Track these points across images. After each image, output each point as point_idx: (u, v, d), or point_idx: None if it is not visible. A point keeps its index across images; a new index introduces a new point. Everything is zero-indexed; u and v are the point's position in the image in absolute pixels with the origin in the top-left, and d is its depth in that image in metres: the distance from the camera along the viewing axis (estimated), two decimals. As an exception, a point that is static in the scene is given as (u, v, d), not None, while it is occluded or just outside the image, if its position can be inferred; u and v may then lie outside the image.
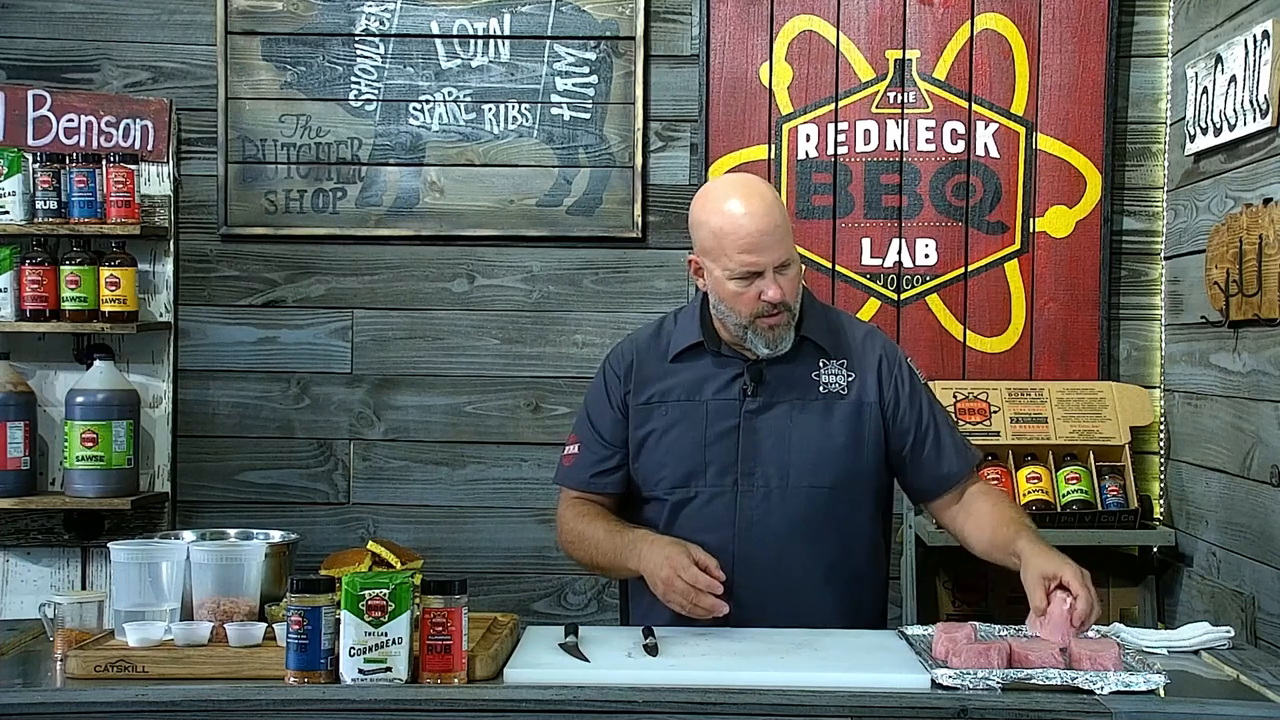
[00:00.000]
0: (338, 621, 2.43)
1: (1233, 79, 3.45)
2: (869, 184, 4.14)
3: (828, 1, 4.13)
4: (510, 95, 4.18)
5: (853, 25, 4.13)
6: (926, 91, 4.13)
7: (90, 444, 3.96)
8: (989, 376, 4.12)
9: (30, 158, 4.01)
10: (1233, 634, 2.85)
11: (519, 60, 4.17)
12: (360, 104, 4.18)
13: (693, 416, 2.93)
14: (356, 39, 4.17)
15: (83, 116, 4.14)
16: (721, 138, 4.14)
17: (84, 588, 4.14)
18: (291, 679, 2.43)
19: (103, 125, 4.14)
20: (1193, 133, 3.75)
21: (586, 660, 2.56)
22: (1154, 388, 4.11)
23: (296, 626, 2.42)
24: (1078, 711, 2.35)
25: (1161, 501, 4.05)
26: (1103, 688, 2.40)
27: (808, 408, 2.92)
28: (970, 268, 4.14)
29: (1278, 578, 3.25)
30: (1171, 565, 3.95)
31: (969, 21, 4.12)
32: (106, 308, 3.98)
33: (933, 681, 2.45)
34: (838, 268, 4.14)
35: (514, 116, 4.18)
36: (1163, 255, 4.12)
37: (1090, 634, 2.64)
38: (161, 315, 4.18)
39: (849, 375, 2.94)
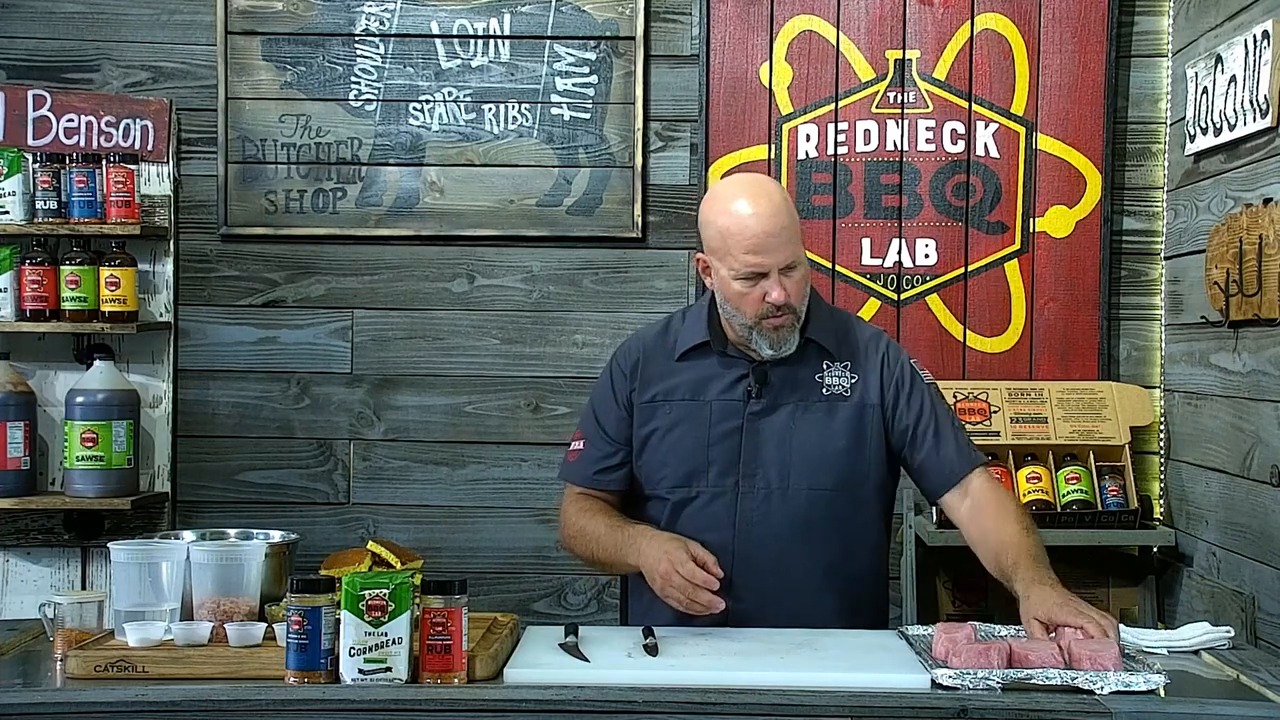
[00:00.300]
0: (338, 621, 2.43)
1: (1233, 79, 3.45)
2: (869, 184, 4.14)
3: (828, 1, 4.13)
4: (510, 95, 4.18)
5: (853, 25, 4.13)
6: (926, 91, 4.13)
7: (90, 444, 3.96)
8: (989, 376, 4.12)
9: (30, 158, 4.01)
10: (1233, 634, 2.85)
11: (519, 60, 4.17)
12: (360, 104, 4.18)
13: (696, 416, 2.93)
14: (356, 39, 4.17)
15: (83, 116, 4.14)
16: (721, 138, 4.14)
17: (84, 588, 4.14)
18: (291, 679, 2.43)
19: (103, 125, 4.14)
20: (1193, 133, 3.75)
21: (586, 660, 2.56)
22: (1154, 388, 4.11)
23: (296, 626, 2.42)
24: (1078, 711, 2.35)
25: (1161, 501, 4.05)
26: (1103, 688, 2.40)
27: (810, 409, 2.92)
28: (970, 268, 4.14)
29: (1278, 578, 3.25)
30: (1171, 565, 3.95)
31: (969, 21, 4.12)
32: (106, 308, 3.98)
33: (933, 681, 2.45)
34: (838, 268, 4.14)
35: (514, 116, 4.18)
36: (1163, 255, 4.12)
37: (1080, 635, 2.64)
38: (161, 315, 4.18)
39: (852, 377, 2.94)
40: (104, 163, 3.97)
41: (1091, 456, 3.97)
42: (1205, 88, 3.65)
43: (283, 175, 4.19)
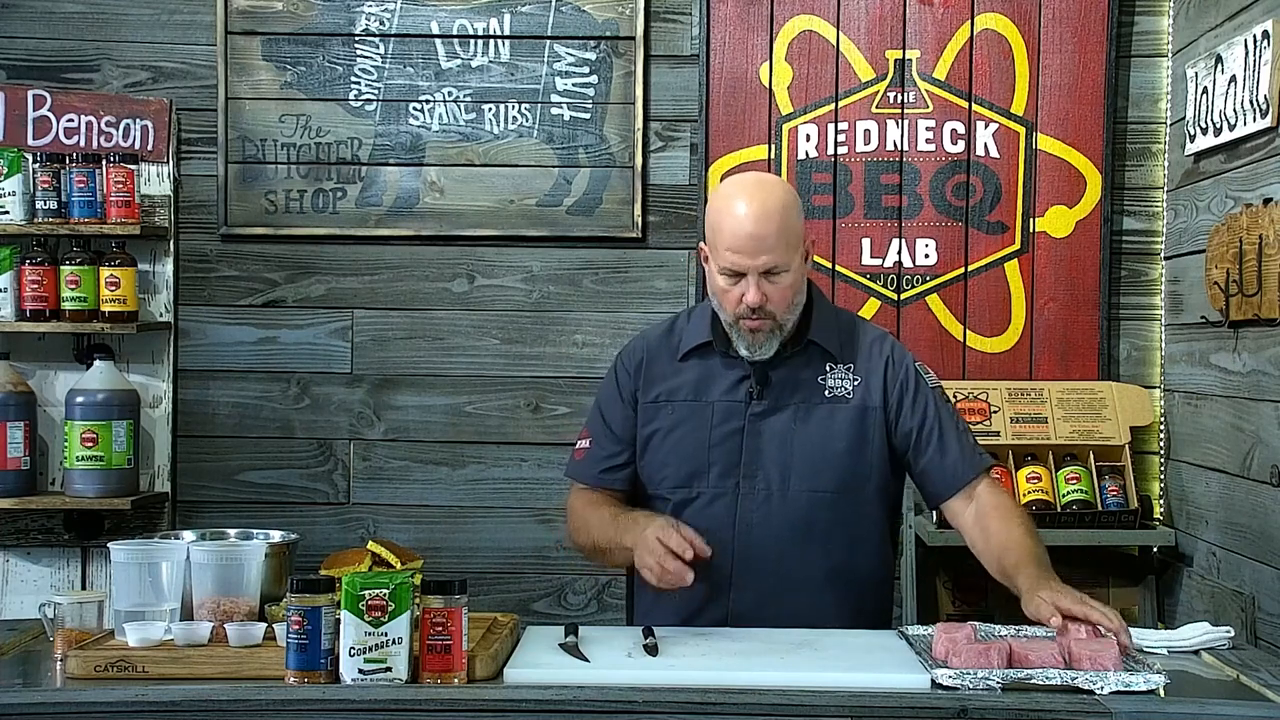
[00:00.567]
0: (338, 621, 2.43)
1: (1233, 79, 3.45)
2: (869, 184, 4.14)
3: (828, 1, 4.13)
4: (510, 95, 4.18)
5: (853, 25, 4.13)
6: (926, 91, 4.13)
7: (90, 444, 3.96)
8: (989, 376, 4.12)
9: (30, 158, 4.01)
10: (1233, 634, 2.85)
11: (519, 60, 4.18)
12: (360, 104, 4.18)
13: (698, 417, 2.93)
14: (356, 39, 4.17)
15: (83, 116, 4.14)
16: (721, 138, 4.14)
17: (84, 588, 4.14)
18: (291, 679, 2.43)
19: (103, 125, 4.14)
20: (1193, 133, 3.75)
21: (586, 660, 2.56)
22: (1154, 388, 4.11)
23: (296, 626, 2.42)
24: (1078, 711, 2.35)
25: (1161, 501, 4.05)
26: (1103, 688, 2.40)
27: (812, 411, 2.91)
28: (970, 268, 4.14)
29: (1278, 578, 3.25)
30: (1171, 565, 3.95)
31: (969, 21, 4.12)
32: (106, 308, 3.98)
33: (933, 681, 2.45)
34: (838, 268, 4.14)
35: (514, 116, 4.18)
36: (1163, 255, 4.12)
37: (1084, 634, 2.64)
38: (161, 315, 4.18)
39: (855, 379, 2.93)
40: (104, 163, 3.97)
41: (1091, 456, 3.97)
42: (1205, 88, 3.65)
43: (283, 175, 4.19)
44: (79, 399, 3.99)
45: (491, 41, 4.18)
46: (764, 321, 2.84)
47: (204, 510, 4.18)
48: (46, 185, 3.98)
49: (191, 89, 4.20)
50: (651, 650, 2.61)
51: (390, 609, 2.41)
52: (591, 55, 4.17)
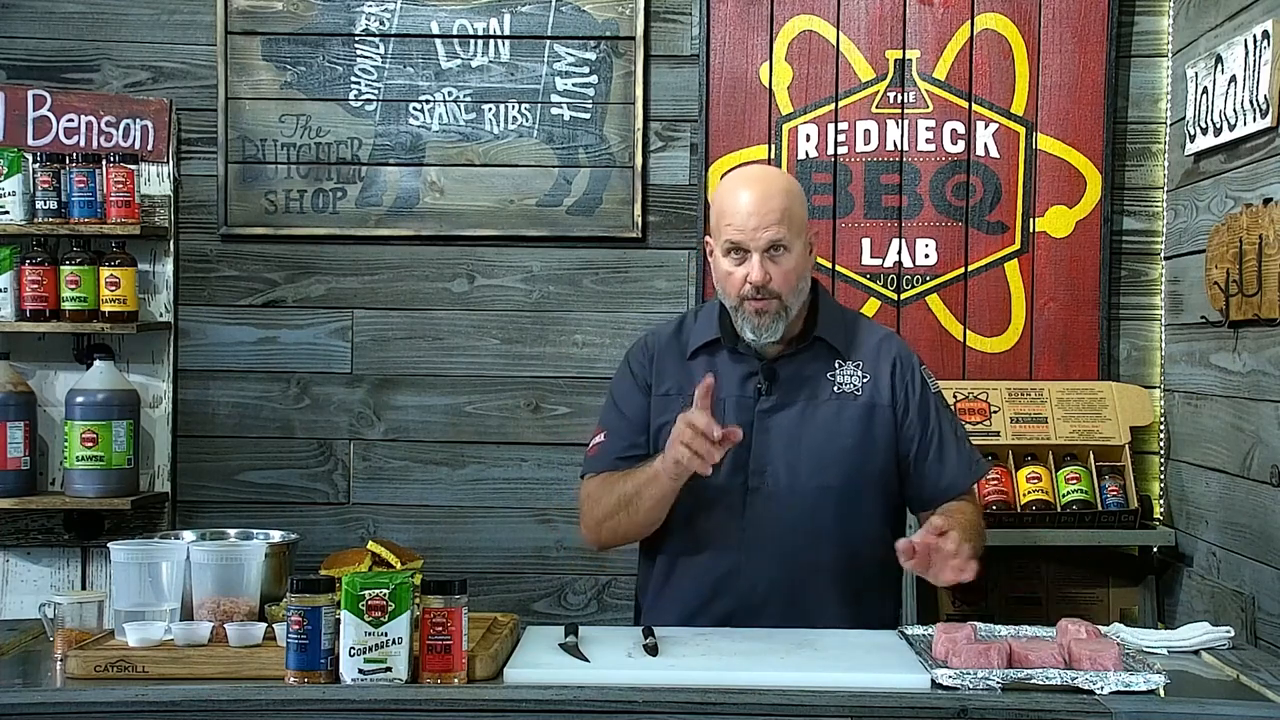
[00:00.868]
0: (338, 621, 2.43)
1: (1233, 79, 3.45)
2: (869, 184, 4.14)
3: (828, 1, 4.13)
4: (510, 95, 4.18)
5: (853, 25, 4.13)
6: (926, 91, 4.13)
7: (90, 444, 3.96)
8: (989, 376, 4.12)
9: (30, 158, 4.01)
10: (1233, 634, 2.85)
11: (519, 60, 4.17)
12: (360, 104, 4.18)
13: None
14: (356, 39, 4.17)
15: (83, 116, 4.14)
16: (721, 138, 4.14)
17: (84, 588, 4.14)
18: (291, 679, 2.43)
19: (103, 125, 4.14)
20: (1193, 133, 3.75)
21: (586, 660, 2.56)
22: (1154, 388, 4.11)
23: (296, 626, 2.42)
24: (1078, 711, 2.35)
25: (1161, 501, 4.05)
26: (1103, 688, 2.40)
27: (820, 408, 2.93)
28: (970, 268, 4.14)
29: (1278, 578, 3.25)
30: (1171, 565, 3.95)
31: (969, 21, 4.12)
32: (106, 308, 3.98)
33: (933, 681, 2.45)
34: (838, 268, 4.14)
35: (514, 116, 4.18)
36: (1163, 255, 4.12)
37: (1084, 634, 2.64)
38: (161, 315, 4.18)
39: (863, 377, 2.96)
40: (104, 163, 3.97)
41: (1091, 456, 3.97)
42: (1205, 88, 3.65)
43: (283, 175, 4.19)
44: (79, 399, 3.99)
45: (491, 41, 4.18)
46: (768, 302, 2.86)
47: (204, 510, 4.17)
48: (46, 185, 3.98)
49: (191, 89, 4.20)
50: (651, 650, 2.61)
51: (390, 609, 2.41)
52: (591, 55, 4.17)
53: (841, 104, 4.14)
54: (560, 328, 4.20)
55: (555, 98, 4.17)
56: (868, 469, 2.94)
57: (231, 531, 2.97)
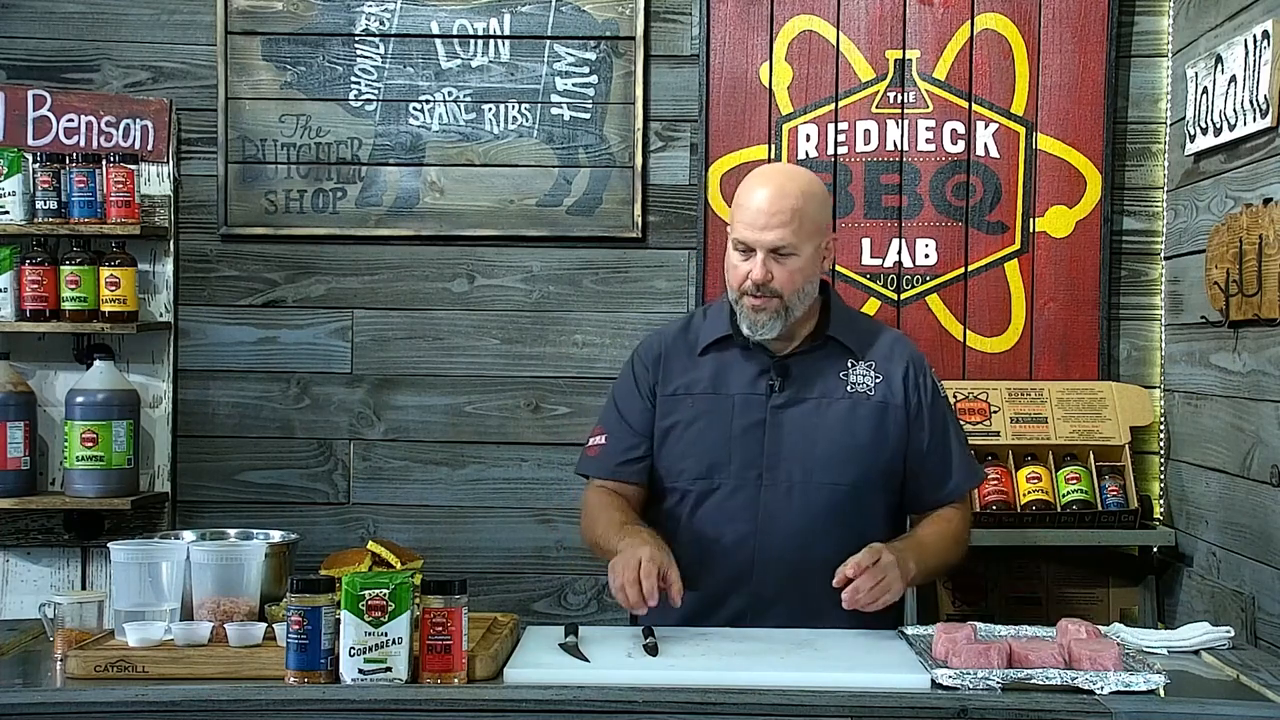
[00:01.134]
0: (338, 621, 2.43)
1: (1233, 79, 3.45)
2: (869, 184, 4.14)
3: (828, 1, 4.13)
4: (510, 95, 4.18)
5: (853, 25, 4.13)
6: (926, 91, 4.13)
7: (90, 444, 3.96)
8: (989, 376, 4.12)
9: (30, 158, 4.01)
10: (1233, 634, 2.85)
11: (519, 60, 4.17)
12: (360, 104, 4.18)
13: (719, 409, 2.96)
14: (356, 39, 4.17)
15: (83, 116, 4.14)
16: (721, 138, 4.14)
17: (84, 588, 4.14)
18: (291, 679, 2.43)
19: (103, 125, 4.14)
20: (1193, 133, 3.74)
21: (586, 660, 2.57)
22: (1154, 388, 4.11)
23: (296, 626, 2.42)
24: (1078, 711, 2.35)
25: (1161, 501, 4.05)
26: (1103, 688, 2.40)
27: (833, 406, 2.95)
28: (970, 268, 4.14)
29: (1278, 578, 3.25)
30: (1171, 565, 3.95)
31: (969, 21, 4.12)
32: (106, 308, 3.98)
33: (933, 681, 2.45)
34: (838, 268, 4.13)
35: (514, 116, 4.18)
36: (1163, 255, 4.12)
37: (1084, 634, 2.64)
38: (161, 315, 4.18)
39: (876, 377, 2.98)
40: (104, 163, 3.97)
41: (1091, 456, 3.97)
42: (1205, 88, 3.65)
43: (283, 175, 4.19)
44: (79, 399, 3.99)
45: (491, 41, 4.18)
46: (768, 300, 2.89)
47: (204, 510, 4.17)
48: (46, 185, 3.98)
49: (191, 89, 4.20)
50: (651, 650, 2.61)
51: (390, 609, 2.41)
52: (591, 55, 4.17)
53: (841, 104, 4.14)
54: (560, 328, 4.20)
55: (555, 98, 4.17)
56: (878, 468, 2.97)
57: (231, 531, 2.97)
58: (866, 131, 4.14)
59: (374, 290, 4.21)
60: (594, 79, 4.16)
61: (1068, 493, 3.91)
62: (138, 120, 4.15)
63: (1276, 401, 3.24)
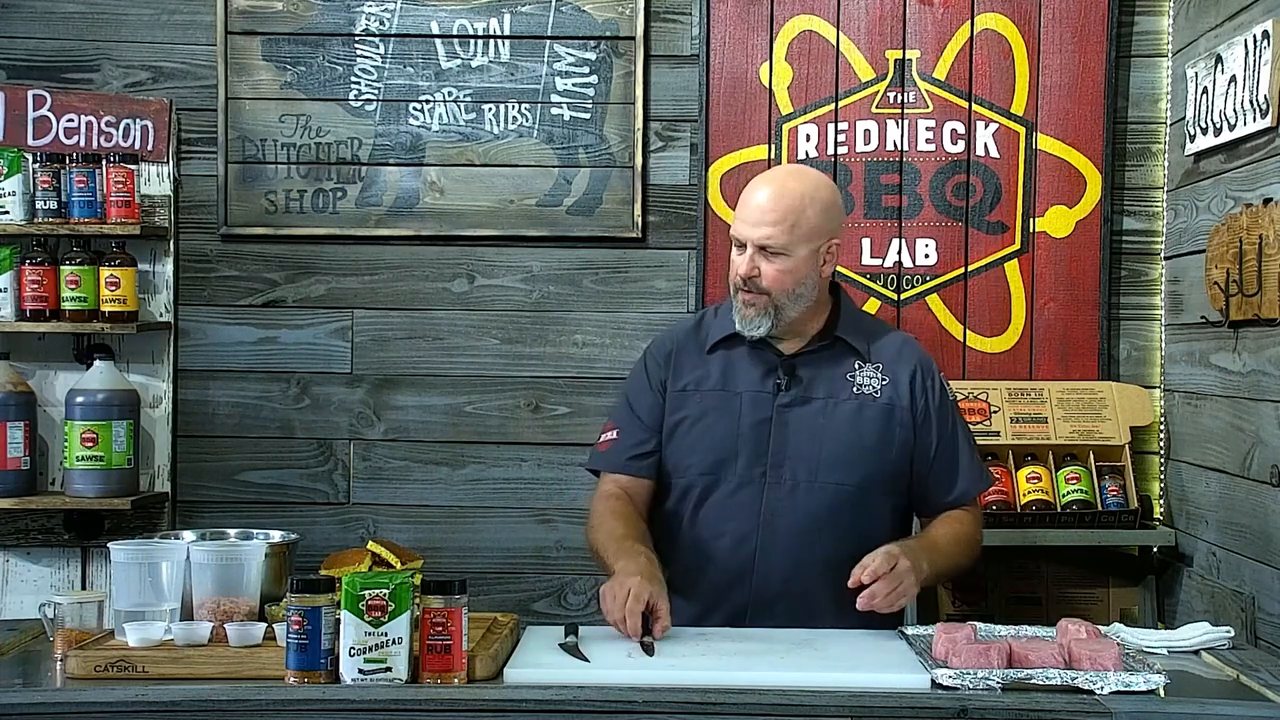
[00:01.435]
0: (338, 621, 2.43)
1: (1233, 79, 3.45)
2: (869, 184, 4.14)
3: (828, 1, 4.13)
4: (510, 95, 4.18)
5: (853, 25, 4.13)
6: (926, 91, 4.13)
7: (90, 444, 3.96)
8: (989, 376, 4.12)
9: (30, 158, 4.01)
10: (1233, 634, 2.85)
11: (519, 60, 4.17)
12: (360, 104, 4.18)
13: (726, 406, 2.98)
14: (356, 39, 4.17)
15: (83, 116, 4.14)
16: (721, 138, 4.14)
17: (84, 588, 4.14)
18: (291, 679, 2.43)
19: (103, 125, 4.14)
20: (1193, 133, 3.74)
21: (586, 660, 2.57)
22: (1154, 388, 4.11)
23: (296, 626, 2.42)
24: (1078, 711, 2.35)
25: (1161, 501, 4.05)
26: (1103, 688, 2.40)
27: (840, 406, 2.97)
28: (970, 268, 4.14)
29: (1278, 578, 3.25)
30: (1171, 565, 3.95)
31: (969, 21, 4.12)
32: (106, 308, 3.98)
33: (933, 681, 2.45)
34: (838, 268, 4.13)
35: (514, 116, 4.18)
36: (1163, 255, 4.12)
37: (1084, 634, 2.64)
38: (161, 315, 4.18)
39: (883, 379, 3.00)
40: (104, 163, 3.97)
41: (1091, 456, 3.97)
42: (1205, 88, 3.65)
43: (283, 175, 4.19)
44: (79, 399, 3.99)
45: (491, 41, 4.18)
46: (756, 297, 2.93)
47: (204, 510, 4.17)
48: (46, 185, 3.98)
49: (191, 89, 4.20)
50: (648, 649, 2.61)
51: (390, 609, 2.41)
52: (591, 55, 4.17)
53: (841, 104, 4.14)
54: (560, 328, 4.20)
55: (555, 98, 4.17)
56: (884, 469, 2.98)
57: (231, 531, 2.97)
58: (866, 131, 4.14)
59: (374, 290, 4.21)
60: (594, 79, 4.16)
61: (1068, 493, 3.91)
62: (138, 120, 4.15)
63: (1276, 401, 3.24)
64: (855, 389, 2.98)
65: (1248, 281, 3.30)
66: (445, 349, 4.22)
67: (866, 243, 4.15)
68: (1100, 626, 2.75)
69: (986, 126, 4.13)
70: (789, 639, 2.72)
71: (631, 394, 3.10)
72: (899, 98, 4.13)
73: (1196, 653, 2.77)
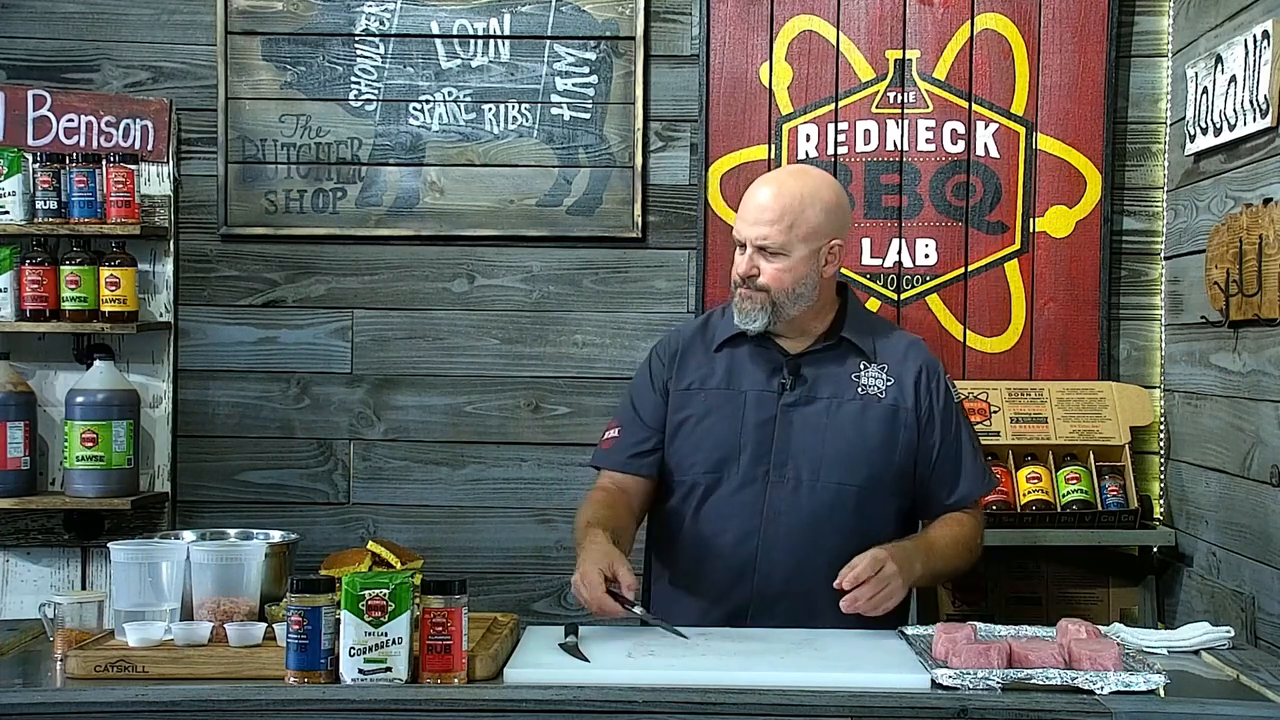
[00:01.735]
0: (338, 621, 2.43)
1: (1233, 79, 3.45)
2: (869, 184, 4.14)
3: (828, 1, 4.13)
4: (510, 95, 4.18)
5: (853, 25, 4.13)
6: (926, 91, 4.13)
7: (90, 444, 3.96)
8: (989, 376, 4.12)
9: (30, 158, 4.01)
10: (1233, 634, 2.85)
11: (519, 60, 4.17)
12: (360, 104, 4.18)
13: (731, 404, 3.00)
14: (356, 39, 4.17)
15: (83, 116, 4.14)
16: (721, 138, 4.14)
17: (84, 588, 4.14)
18: (291, 679, 2.43)
19: (103, 125, 4.14)
20: (1193, 133, 3.74)
21: (586, 660, 2.57)
22: (1154, 388, 4.11)
23: (296, 626, 2.42)
24: (1078, 711, 2.36)
25: (1161, 501, 4.05)
26: (1103, 688, 2.40)
27: (844, 406, 2.98)
28: (970, 268, 4.14)
29: (1278, 578, 3.25)
30: (1171, 565, 3.95)
31: (969, 21, 4.12)
32: (106, 308, 3.98)
33: (933, 681, 2.45)
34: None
35: (514, 116, 4.18)
36: (1163, 255, 4.12)
37: (1084, 634, 2.64)
38: (161, 315, 4.18)
39: (888, 380, 3.01)
40: (104, 163, 3.97)
41: (1091, 456, 3.97)
42: (1205, 88, 3.65)
43: (283, 175, 4.19)
44: (79, 399, 3.99)
45: (491, 41, 4.18)
46: (754, 294, 2.96)
47: (204, 510, 4.17)
48: (46, 185, 3.98)
49: (191, 89, 4.20)
50: (631, 607, 2.61)
51: (390, 609, 2.41)
52: (591, 55, 4.17)
53: (841, 104, 4.14)
54: (560, 328, 4.20)
55: (555, 98, 4.17)
56: (888, 469, 2.99)
57: (231, 531, 2.97)
58: (866, 131, 4.14)
59: (374, 290, 4.21)
60: (594, 79, 4.16)
61: (1068, 493, 3.91)
62: (138, 120, 4.15)
63: (1276, 401, 3.24)
64: (860, 389, 2.99)
65: (1248, 281, 3.30)
66: (445, 349, 4.22)
67: (866, 243, 4.15)
68: (1100, 626, 2.75)
69: (986, 126, 4.13)
70: (789, 639, 2.72)
71: (635, 393, 3.12)
72: (899, 98, 4.13)
73: (1196, 653, 2.77)
